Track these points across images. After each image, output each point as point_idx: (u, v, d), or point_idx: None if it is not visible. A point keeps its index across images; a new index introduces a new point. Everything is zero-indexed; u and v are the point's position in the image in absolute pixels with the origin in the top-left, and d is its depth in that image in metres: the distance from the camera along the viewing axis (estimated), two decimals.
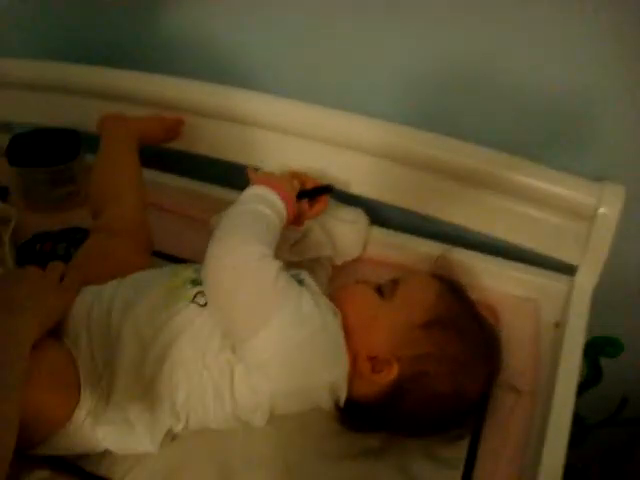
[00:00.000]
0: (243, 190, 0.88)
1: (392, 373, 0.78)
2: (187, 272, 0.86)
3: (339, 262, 1.06)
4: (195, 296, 0.82)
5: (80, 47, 1.27)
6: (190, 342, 0.79)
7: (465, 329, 0.83)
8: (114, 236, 0.95)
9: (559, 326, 1.02)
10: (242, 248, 0.77)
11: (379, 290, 0.85)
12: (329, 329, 0.78)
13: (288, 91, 1.08)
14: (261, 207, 0.83)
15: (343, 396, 0.79)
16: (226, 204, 0.87)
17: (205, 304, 0.81)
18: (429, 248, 1.08)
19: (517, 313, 1.01)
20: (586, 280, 0.99)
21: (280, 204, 0.85)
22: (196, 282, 0.84)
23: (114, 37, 1.23)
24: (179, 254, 1.09)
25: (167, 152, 1.19)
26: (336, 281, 1.03)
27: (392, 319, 0.81)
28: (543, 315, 1.03)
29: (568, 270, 1.03)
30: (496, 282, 1.05)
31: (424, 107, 1.06)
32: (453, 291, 0.87)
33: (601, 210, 0.93)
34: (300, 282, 0.81)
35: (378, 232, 1.11)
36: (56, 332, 0.80)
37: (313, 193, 0.96)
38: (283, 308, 0.75)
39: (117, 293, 0.83)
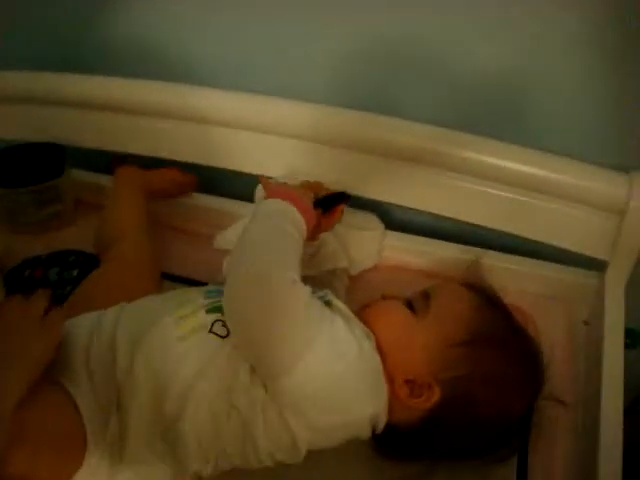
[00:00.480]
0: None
1: (433, 397, 0.72)
2: (197, 299, 0.78)
3: (355, 272, 1.00)
4: (212, 325, 0.74)
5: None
6: (214, 379, 0.70)
7: (506, 343, 0.76)
8: (125, 265, 0.90)
9: (588, 324, 0.99)
10: (270, 274, 0.68)
11: (410, 305, 0.78)
12: (366, 357, 0.71)
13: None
14: (283, 224, 0.76)
15: (382, 424, 0.73)
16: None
17: (226, 335, 0.73)
18: (449, 251, 1.03)
19: (549, 315, 0.97)
20: (618, 275, 0.94)
21: (300, 220, 0.78)
22: (210, 310, 0.76)
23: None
24: (186, 274, 1.03)
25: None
26: (354, 292, 0.97)
27: (428, 338, 0.74)
28: (573, 314, 0.99)
29: (596, 266, 0.99)
30: (522, 283, 1.00)
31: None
32: (489, 302, 0.80)
33: (632, 203, 0.89)
34: (328, 304, 0.75)
35: (393, 237, 1.05)
36: (50, 371, 0.70)
37: (328, 203, 0.89)
38: (318, 341, 0.68)
39: (119, 324, 0.75)
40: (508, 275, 1.00)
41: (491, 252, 1.02)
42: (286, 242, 0.74)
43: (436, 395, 0.72)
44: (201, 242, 1.07)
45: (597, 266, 0.99)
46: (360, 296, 0.91)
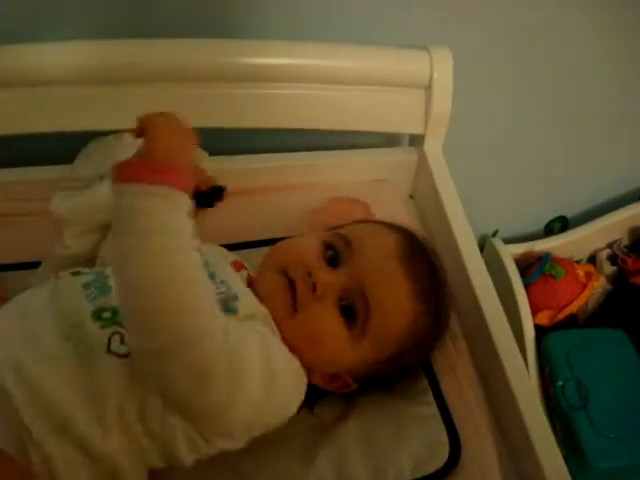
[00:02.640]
0: None
1: (351, 387, 0.74)
2: (79, 302, 0.66)
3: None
4: (110, 342, 0.63)
5: None
6: (122, 408, 0.61)
7: (435, 330, 0.76)
8: None
9: (413, 197, 1.07)
10: (197, 339, 0.57)
11: (347, 311, 0.69)
12: (293, 372, 0.68)
13: None
14: (175, 241, 0.57)
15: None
16: None
17: (126, 354, 0.62)
18: (287, 160, 1.02)
19: (381, 198, 1.00)
20: (435, 146, 1.01)
21: (186, 204, 0.59)
22: (100, 317, 0.64)
23: None
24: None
25: None
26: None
27: (358, 361, 0.71)
28: (401, 191, 1.05)
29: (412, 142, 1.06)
30: (352, 174, 1.03)
31: None
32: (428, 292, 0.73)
33: (435, 75, 0.95)
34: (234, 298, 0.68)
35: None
36: None
37: (205, 199, 0.79)
38: (248, 379, 0.61)
39: None
40: (337, 170, 1.02)
41: (318, 152, 1.03)
42: (194, 272, 0.58)
43: (353, 387, 0.73)
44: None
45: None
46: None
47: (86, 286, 0.68)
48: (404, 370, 0.77)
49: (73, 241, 0.81)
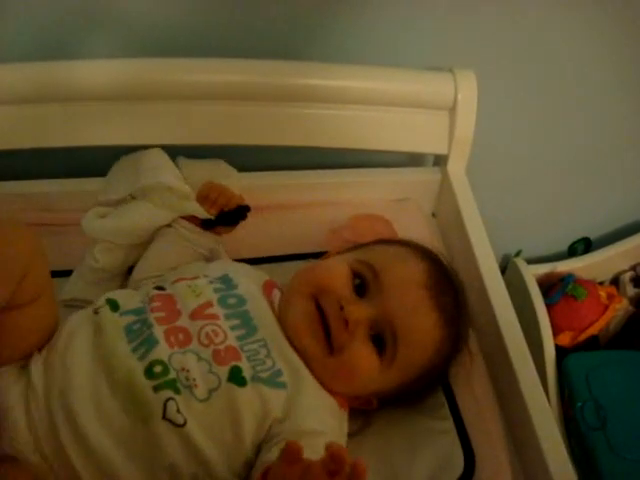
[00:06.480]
0: None
1: (371, 406, 0.77)
2: (127, 357, 0.66)
3: None
4: (165, 406, 0.63)
5: None
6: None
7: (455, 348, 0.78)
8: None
9: (436, 216, 1.09)
10: None
11: (378, 340, 0.72)
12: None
13: None
14: None
15: None
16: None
17: (184, 423, 0.63)
18: (309, 178, 1.04)
19: (404, 216, 1.02)
20: (459, 166, 1.03)
21: None
22: (152, 372, 0.65)
23: None
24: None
25: None
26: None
27: (384, 385, 0.74)
28: (424, 209, 1.07)
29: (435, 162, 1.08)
30: (377, 192, 1.05)
31: None
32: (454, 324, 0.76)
33: (460, 96, 0.97)
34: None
35: (250, 177, 1.02)
36: None
37: (229, 218, 0.88)
38: None
39: (51, 393, 0.64)
40: (362, 187, 1.05)
41: (343, 170, 1.05)
42: None
43: (375, 405, 0.76)
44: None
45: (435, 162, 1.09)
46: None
47: (129, 331, 0.68)
48: (423, 389, 0.79)
49: (101, 256, 0.85)
